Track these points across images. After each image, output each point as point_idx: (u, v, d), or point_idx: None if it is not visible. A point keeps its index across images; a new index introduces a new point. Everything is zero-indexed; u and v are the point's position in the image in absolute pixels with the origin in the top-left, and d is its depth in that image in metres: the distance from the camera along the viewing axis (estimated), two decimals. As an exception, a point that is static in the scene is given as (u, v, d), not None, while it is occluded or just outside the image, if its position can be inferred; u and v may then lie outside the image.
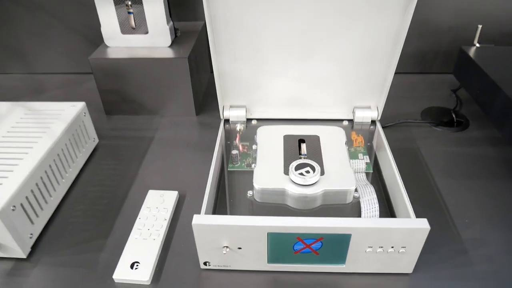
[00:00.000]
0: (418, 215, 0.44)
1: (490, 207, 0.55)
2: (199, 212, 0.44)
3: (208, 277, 0.47)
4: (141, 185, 0.60)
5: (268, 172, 0.51)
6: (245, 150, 0.61)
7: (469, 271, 0.47)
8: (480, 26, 0.76)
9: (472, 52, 0.75)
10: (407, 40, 0.54)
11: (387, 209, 0.52)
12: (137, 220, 0.53)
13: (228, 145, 0.62)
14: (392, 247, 0.43)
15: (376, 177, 0.57)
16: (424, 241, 0.42)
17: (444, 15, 0.82)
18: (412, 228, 0.41)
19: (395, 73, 0.59)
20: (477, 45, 0.77)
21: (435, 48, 0.87)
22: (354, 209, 0.50)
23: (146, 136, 0.71)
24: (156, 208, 0.55)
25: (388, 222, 0.42)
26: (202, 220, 0.42)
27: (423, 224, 0.41)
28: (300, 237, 0.43)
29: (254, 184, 0.50)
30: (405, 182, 0.49)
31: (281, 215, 0.49)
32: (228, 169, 0.58)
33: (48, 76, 0.94)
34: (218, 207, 0.53)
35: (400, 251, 0.43)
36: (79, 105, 0.63)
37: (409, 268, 0.46)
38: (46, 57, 0.93)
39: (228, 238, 0.43)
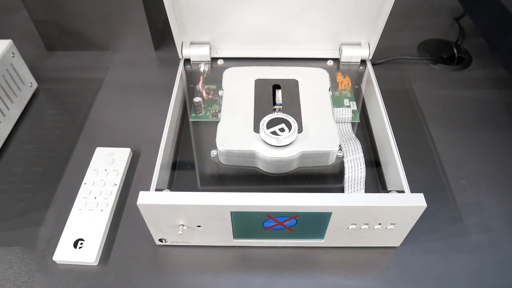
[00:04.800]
0: (408, 174, 0.38)
1: (491, 164, 0.48)
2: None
3: (165, 253, 0.40)
4: (88, 140, 0.51)
5: (234, 129, 0.42)
6: (210, 96, 0.51)
7: (464, 242, 0.41)
8: None
9: (482, -30, 0.63)
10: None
11: (374, 171, 0.44)
12: (82, 186, 0.45)
13: (191, 90, 0.52)
14: (380, 223, 0.36)
15: (363, 128, 0.49)
16: (417, 218, 0.35)
17: None
18: (405, 206, 0.34)
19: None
20: (489, -39, 0.65)
21: (437, -35, 0.74)
22: (336, 171, 0.43)
23: (95, 77, 0.60)
24: (104, 171, 0.46)
25: (376, 199, 0.34)
26: (150, 200, 0.34)
27: (419, 202, 0.34)
28: (271, 215, 0.35)
29: (217, 145, 0.41)
30: (395, 133, 0.42)
31: (250, 180, 0.42)
32: (191, 120, 0.49)
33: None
34: (178, 168, 0.45)
35: (389, 227, 0.36)
36: (3, 44, 0.51)
37: (396, 242, 0.40)
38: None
39: (184, 217, 0.36)
